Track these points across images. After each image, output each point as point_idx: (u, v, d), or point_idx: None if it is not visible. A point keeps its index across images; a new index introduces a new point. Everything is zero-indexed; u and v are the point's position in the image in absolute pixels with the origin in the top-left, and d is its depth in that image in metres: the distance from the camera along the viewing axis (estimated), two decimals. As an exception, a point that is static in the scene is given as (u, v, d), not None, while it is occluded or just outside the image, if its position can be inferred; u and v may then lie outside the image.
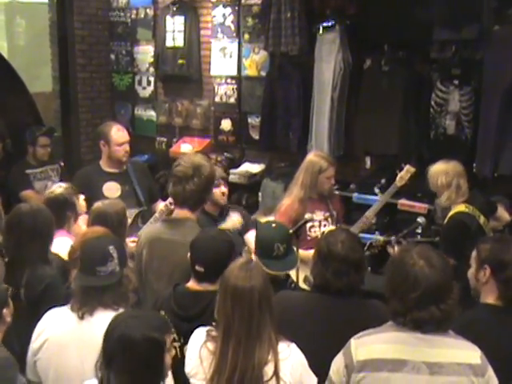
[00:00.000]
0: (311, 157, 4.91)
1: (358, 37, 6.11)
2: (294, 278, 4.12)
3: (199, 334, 2.86)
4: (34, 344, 3.08)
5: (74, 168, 6.83)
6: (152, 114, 8.00)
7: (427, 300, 2.55)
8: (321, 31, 6.19)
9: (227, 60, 7.14)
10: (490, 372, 2.57)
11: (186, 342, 2.97)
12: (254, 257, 3.70)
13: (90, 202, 4.41)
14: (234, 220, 4.56)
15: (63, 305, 3.16)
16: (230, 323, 2.67)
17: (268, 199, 6.52)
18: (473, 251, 3.20)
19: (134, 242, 4.27)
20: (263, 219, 4.88)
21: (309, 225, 4.68)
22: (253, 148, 7.12)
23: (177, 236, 3.74)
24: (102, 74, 8.27)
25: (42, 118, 7.37)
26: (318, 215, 4.81)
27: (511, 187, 5.43)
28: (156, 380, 2.51)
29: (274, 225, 3.87)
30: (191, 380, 2.81)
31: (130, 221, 4.46)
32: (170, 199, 4.28)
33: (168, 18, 7.45)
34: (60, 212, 4.22)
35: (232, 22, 7.06)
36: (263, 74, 6.87)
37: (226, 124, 7.28)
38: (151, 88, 8.00)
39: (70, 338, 3.01)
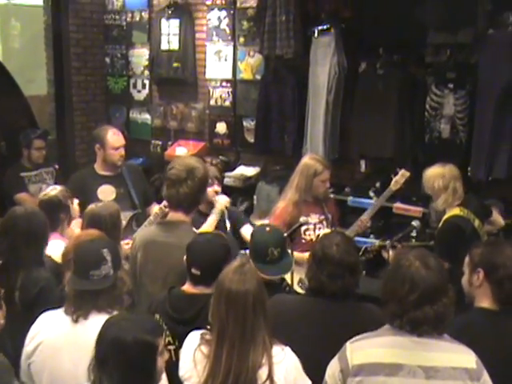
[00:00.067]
0: (306, 160, 4.91)
1: (353, 40, 6.12)
2: (289, 281, 4.12)
3: (193, 338, 2.85)
4: (27, 347, 3.06)
5: (69, 171, 6.83)
6: (147, 117, 7.99)
7: (423, 301, 2.56)
8: (316, 34, 6.19)
9: (222, 63, 7.14)
10: (486, 376, 2.57)
11: (181, 345, 2.96)
12: None
13: (84, 205, 4.40)
14: (221, 203, 4.48)
15: (57, 307, 3.15)
16: (224, 326, 2.66)
17: (263, 202, 6.51)
18: (466, 257, 3.21)
19: (128, 244, 4.27)
20: (258, 222, 4.87)
21: (303, 228, 4.68)
22: (248, 151, 7.12)
23: (171, 239, 3.74)
24: (97, 77, 8.26)
25: (36, 121, 7.37)
26: (313, 218, 4.81)
27: (505, 191, 5.45)
28: (148, 383, 2.50)
29: (268, 229, 3.84)
30: (185, 383, 2.81)
31: (124, 224, 4.45)
32: (164, 202, 4.28)
33: (163, 21, 7.44)
34: (54, 214, 4.22)
35: (227, 25, 7.06)
36: (258, 77, 6.87)
37: (221, 127, 7.28)
38: (146, 91, 7.99)
39: (63, 341, 3.00)
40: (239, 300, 2.66)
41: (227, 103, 7.21)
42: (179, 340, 3.02)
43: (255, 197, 6.70)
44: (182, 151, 7.16)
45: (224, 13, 7.06)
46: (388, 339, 2.63)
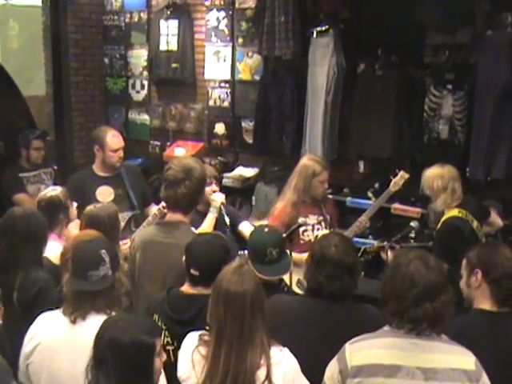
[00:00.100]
0: (305, 161, 4.92)
1: (351, 41, 6.11)
2: (288, 282, 4.12)
3: (191, 338, 2.85)
4: (26, 348, 3.06)
5: (68, 172, 6.83)
6: (146, 117, 7.98)
7: (423, 297, 2.57)
8: (314, 35, 6.19)
9: (221, 64, 7.14)
10: (485, 378, 2.58)
11: (179, 346, 2.96)
12: None
13: (83, 206, 4.39)
14: (217, 200, 4.44)
15: (56, 308, 3.14)
16: (222, 327, 2.66)
17: (261, 203, 6.51)
18: (463, 260, 3.22)
19: (126, 244, 4.27)
20: (257, 223, 4.87)
21: (302, 229, 4.68)
22: (246, 152, 7.11)
23: (170, 239, 3.75)
24: (96, 77, 8.26)
25: (35, 122, 7.36)
26: (312, 219, 4.81)
27: (504, 191, 5.44)
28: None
29: (266, 229, 3.85)
30: (183, 384, 2.81)
31: (122, 225, 4.45)
32: (162, 203, 4.28)
33: (162, 21, 7.43)
34: (53, 214, 4.22)
35: (226, 25, 7.06)
36: (257, 78, 6.87)
37: (220, 128, 7.28)
38: (145, 92, 7.99)
39: (62, 342, 3.00)
40: (237, 301, 2.66)
41: (226, 104, 7.21)
42: (178, 340, 3.02)
43: (254, 197, 6.70)
44: (180, 152, 7.16)
45: (223, 13, 7.05)
46: (387, 340, 2.63)
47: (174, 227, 3.82)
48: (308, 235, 4.77)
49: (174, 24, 7.34)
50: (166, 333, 3.15)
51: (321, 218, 4.86)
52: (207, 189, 4.33)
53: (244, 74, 7.01)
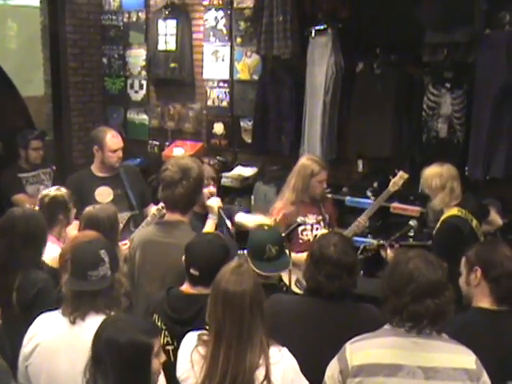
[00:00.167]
0: (303, 160, 4.92)
1: (350, 40, 6.11)
2: (287, 282, 4.12)
3: (190, 338, 2.85)
4: (25, 349, 3.06)
5: (66, 172, 6.83)
6: (144, 117, 7.98)
7: (423, 294, 2.57)
8: (313, 35, 6.19)
9: (219, 63, 7.14)
10: (485, 377, 2.58)
11: (179, 346, 2.95)
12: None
13: (82, 206, 4.39)
14: (214, 206, 4.36)
15: (55, 309, 3.14)
16: (221, 327, 2.66)
17: (260, 203, 6.51)
18: (462, 258, 3.22)
19: (125, 245, 4.27)
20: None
21: (301, 228, 4.69)
22: (245, 152, 7.11)
23: (170, 239, 3.74)
24: (94, 77, 8.25)
25: (33, 122, 7.37)
26: (310, 219, 4.81)
27: (503, 190, 5.45)
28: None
29: (266, 227, 3.87)
30: (182, 384, 2.81)
31: (121, 225, 4.44)
32: (161, 203, 4.27)
33: (160, 21, 7.43)
34: (54, 212, 4.24)
35: (224, 25, 7.06)
36: (255, 77, 6.86)
37: (219, 128, 7.28)
38: (143, 92, 7.99)
39: (61, 343, 3.00)
40: (236, 301, 2.66)
41: (224, 104, 7.21)
42: (178, 340, 3.00)
43: (253, 197, 6.70)
44: (179, 152, 7.15)
45: (221, 13, 7.05)
46: (387, 340, 2.64)
47: (173, 227, 3.82)
48: (307, 235, 4.77)
49: (173, 24, 7.34)
50: (166, 333, 3.15)
51: (320, 217, 4.87)
52: (204, 190, 4.33)
53: (242, 74, 7.01)
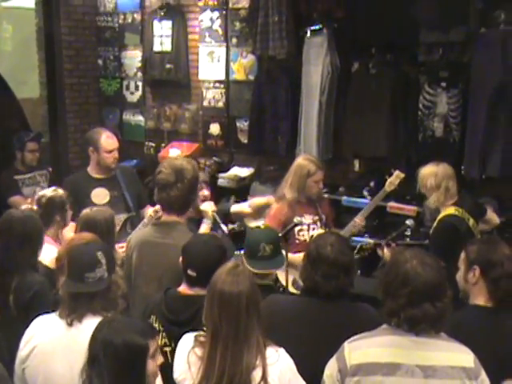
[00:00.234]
0: (300, 160, 4.92)
1: (345, 40, 6.11)
2: (283, 282, 4.12)
3: (187, 340, 2.84)
4: (22, 352, 3.05)
5: (62, 174, 6.83)
6: (140, 118, 7.98)
7: (420, 297, 2.56)
8: (308, 35, 6.19)
9: (215, 64, 7.13)
10: (483, 375, 2.59)
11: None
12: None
13: (78, 208, 4.39)
14: (207, 210, 4.34)
15: (52, 311, 3.14)
16: (218, 328, 2.65)
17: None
18: (461, 253, 3.22)
19: (122, 247, 4.26)
20: (253, 223, 4.87)
21: (297, 228, 4.68)
22: (241, 152, 7.11)
23: (167, 239, 3.75)
24: (90, 79, 8.25)
25: (29, 124, 7.37)
26: (307, 219, 4.81)
27: (499, 189, 5.45)
28: None
29: (262, 227, 3.90)
30: (179, 385, 2.81)
31: (118, 227, 4.44)
32: (157, 206, 4.27)
33: (155, 22, 7.43)
34: (50, 213, 4.24)
35: (220, 26, 7.05)
36: (251, 77, 6.86)
37: (215, 128, 7.27)
38: (139, 93, 7.98)
39: (58, 345, 2.99)
40: (232, 302, 2.65)
41: (220, 104, 7.20)
42: (176, 342, 3.00)
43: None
44: (175, 152, 7.15)
45: (216, 14, 7.05)
46: (386, 339, 2.64)
47: (170, 228, 3.82)
48: (303, 235, 4.77)
49: (168, 25, 7.33)
50: (164, 334, 3.15)
51: (316, 217, 4.87)
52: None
53: (238, 74, 7.01)
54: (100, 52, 8.21)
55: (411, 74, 5.85)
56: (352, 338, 2.69)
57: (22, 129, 6.95)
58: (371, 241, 5.04)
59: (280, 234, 4.02)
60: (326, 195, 5.63)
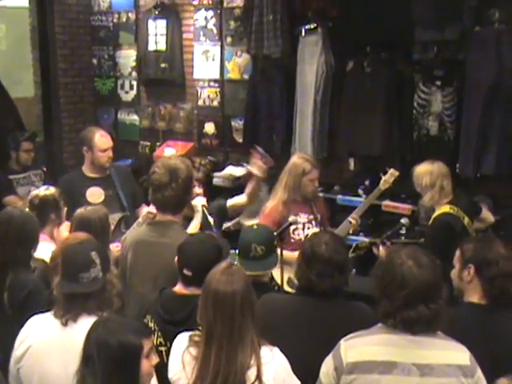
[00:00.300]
0: (295, 159, 4.93)
1: (340, 39, 6.11)
2: (279, 281, 4.12)
3: (182, 339, 2.84)
4: (16, 351, 3.04)
5: (57, 173, 6.82)
6: (135, 118, 7.97)
7: (415, 299, 2.56)
8: (303, 34, 6.19)
9: (210, 63, 7.13)
10: (479, 373, 2.59)
11: (172, 347, 2.96)
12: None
13: (73, 208, 4.38)
14: (198, 205, 4.34)
15: (46, 311, 3.13)
16: (212, 328, 2.65)
17: (252, 205, 6.50)
18: (456, 252, 3.22)
19: (117, 247, 4.26)
20: (248, 222, 4.87)
21: (292, 227, 4.68)
22: (236, 151, 7.11)
23: (162, 239, 3.74)
24: (84, 78, 8.24)
25: (23, 124, 7.35)
26: (302, 218, 4.81)
27: (494, 188, 5.46)
28: None
29: (255, 227, 3.89)
30: (174, 385, 2.81)
31: (112, 226, 4.43)
32: (151, 207, 4.25)
33: (150, 21, 7.43)
34: (44, 212, 4.23)
35: (214, 25, 7.05)
36: (246, 77, 6.87)
37: (210, 127, 7.27)
38: (134, 92, 7.98)
39: (53, 345, 2.98)
40: (227, 301, 2.65)
41: (215, 103, 7.21)
42: (171, 341, 2.99)
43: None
44: (170, 152, 7.14)
45: (211, 13, 7.05)
46: (382, 337, 2.64)
47: (166, 227, 3.81)
48: (299, 234, 4.77)
49: (162, 24, 7.33)
50: (159, 333, 3.14)
51: (311, 216, 4.86)
52: None
53: (233, 73, 7.01)
54: (94, 51, 8.20)
55: (406, 73, 5.86)
56: (348, 336, 2.69)
57: (16, 128, 6.95)
58: (367, 239, 5.04)
59: (275, 233, 4.01)
60: (320, 194, 5.63)
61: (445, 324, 2.69)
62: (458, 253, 3.21)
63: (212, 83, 7.18)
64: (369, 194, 5.21)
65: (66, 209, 4.45)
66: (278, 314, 3.13)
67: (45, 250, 3.91)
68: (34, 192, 4.46)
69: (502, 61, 5.17)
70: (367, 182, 5.93)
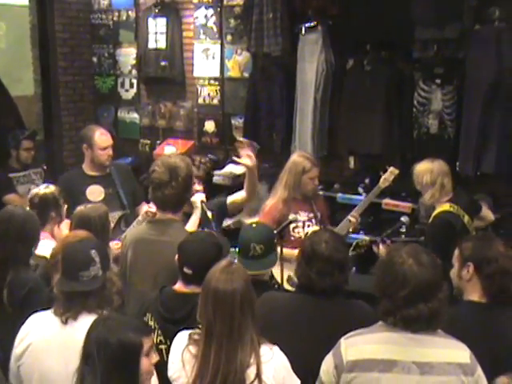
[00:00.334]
0: (295, 157, 4.93)
1: (340, 37, 6.12)
2: (279, 279, 4.12)
3: (182, 338, 2.84)
4: (16, 349, 3.04)
5: (57, 171, 6.82)
6: (135, 116, 7.97)
7: (416, 297, 2.56)
8: (303, 32, 6.20)
9: (210, 61, 7.13)
10: (479, 371, 2.59)
11: (172, 345, 2.96)
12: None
13: (73, 206, 4.38)
14: (196, 201, 4.33)
15: (46, 309, 3.13)
16: (212, 326, 2.65)
17: (252, 200, 6.50)
18: (455, 251, 3.22)
19: (117, 245, 4.26)
20: (248, 220, 4.87)
21: (292, 225, 4.68)
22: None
23: (162, 237, 3.73)
24: (85, 76, 8.23)
25: (23, 122, 7.34)
26: (302, 216, 4.81)
27: (493, 186, 5.47)
28: (131, 382, 2.50)
29: (254, 225, 3.88)
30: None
31: (112, 224, 4.43)
32: (151, 204, 4.25)
33: (150, 19, 7.42)
34: (45, 211, 4.23)
35: (214, 23, 7.05)
36: (246, 75, 6.87)
37: (210, 125, 7.27)
38: (134, 90, 7.97)
39: (53, 343, 2.98)
40: (226, 299, 2.65)
41: (215, 101, 7.21)
42: (171, 340, 2.99)
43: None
44: (170, 150, 7.14)
45: (211, 11, 7.05)
46: (382, 335, 2.64)
47: (166, 225, 3.81)
48: (299, 232, 4.77)
49: (162, 22, 7.33)
50: (159, 332, 3.14)
51: (311, 214, 4.86)
52: None
53: (233, 72, 7.01)
54: (95, 49, 8.18)
55: (406, 71, 5.87)
56: (348, 335, 2.69)
57: (16, 127, 6.94)
58: (367, 238, 5.04)
59: (275, 231, 4.01)
60: (320, 192, 5.63)
61: (445, 322, 2.69)
62: (456, 252, 3.21)
63: (212, 81, 7.17)
64: (369, 193, 5.22)
65: (66, 207, 4.46)
66: (278, 313, 3.12)
67: (47, 247, 3.91)
68: (34, 190, 4.46)
69: (502, 59, 5.18)
70: (367, 181, 5.93)
